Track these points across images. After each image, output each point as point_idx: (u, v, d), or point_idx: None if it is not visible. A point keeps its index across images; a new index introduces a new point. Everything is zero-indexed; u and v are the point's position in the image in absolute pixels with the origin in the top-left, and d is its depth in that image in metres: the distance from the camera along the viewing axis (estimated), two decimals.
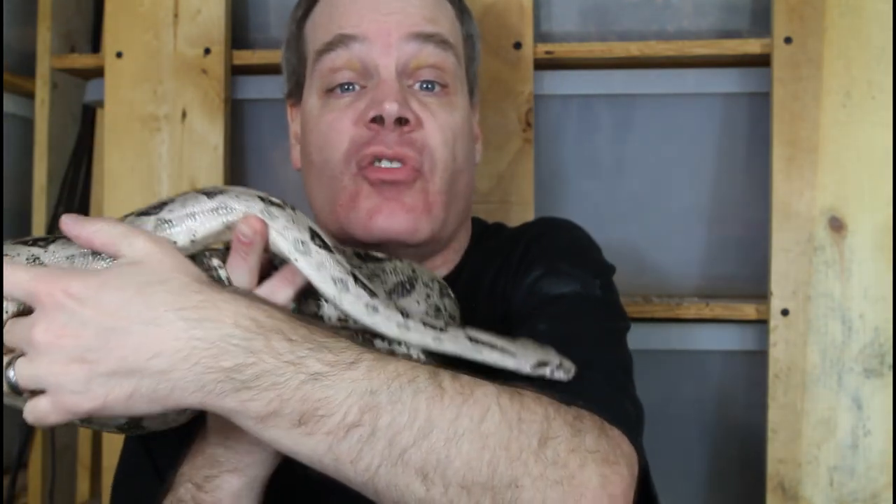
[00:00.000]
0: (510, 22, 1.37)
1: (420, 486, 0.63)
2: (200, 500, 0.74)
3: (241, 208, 0.68)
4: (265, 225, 0.69)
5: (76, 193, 1.61)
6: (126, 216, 0.68)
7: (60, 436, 1.58)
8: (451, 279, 0.96)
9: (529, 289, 0.89)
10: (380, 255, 0.78)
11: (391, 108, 0.87)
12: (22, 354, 0.62)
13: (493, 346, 0.71)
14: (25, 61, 1.60)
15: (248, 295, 0.67)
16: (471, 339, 0.71)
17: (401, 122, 0.88)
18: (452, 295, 0.77)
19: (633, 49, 1.35)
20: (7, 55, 1.57)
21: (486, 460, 0.64)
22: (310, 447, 0.63)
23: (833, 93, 1.28)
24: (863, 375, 1.26)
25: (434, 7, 0.95)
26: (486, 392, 0.66)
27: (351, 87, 0.92)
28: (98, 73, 1.49)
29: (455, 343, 0.70)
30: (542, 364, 0.71)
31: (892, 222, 1.26)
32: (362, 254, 0.77)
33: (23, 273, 0.63)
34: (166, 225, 0.68)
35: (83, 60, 1.55)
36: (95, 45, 1.65)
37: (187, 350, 0.61)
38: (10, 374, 0.61)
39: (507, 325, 0.85)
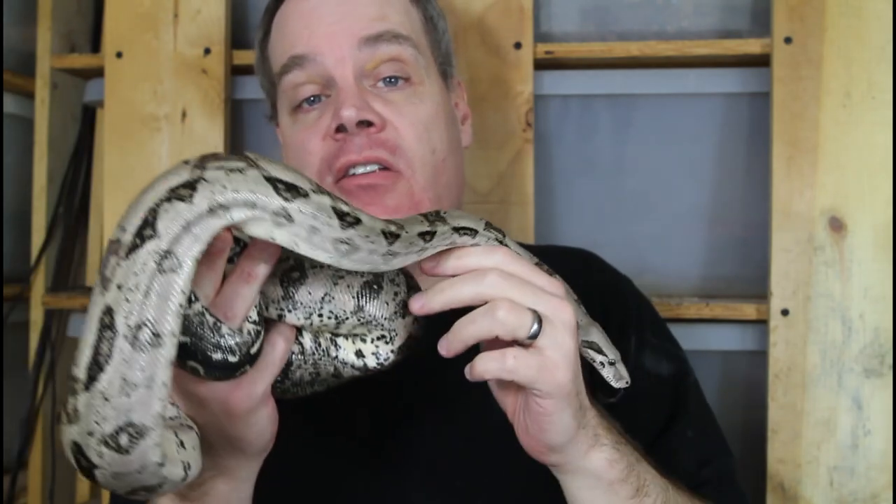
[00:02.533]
0: (510, 22, 1.37)
1: None
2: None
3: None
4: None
5: (76, 193, 1.61)
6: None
7: (60, 436, 1.58)
8: None
9: (634, 361, 0.94)
10: None
11: (349, 114, 0.86)
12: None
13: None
14: (25, 61, 1.60)
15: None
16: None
17: (365, 124, 0.87)
18: (416, 286, 0.73)
19: (633, 49, 1.35)
20: (7, 55, 1.57)
21: None
22: None
23: (833, 93, 1.28)
24: (863, 375, 1.26)
25: (382, 3, 0.93)
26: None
27: (316, 99, 0.92)
28: (98, 73, 1.49)
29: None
30: (596, 350, 0.75)
31: (892, 222, 1.26)
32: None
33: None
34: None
35: (83, 60, 1.55)
36: (95, 45, 1.65)
37: (588, 406, 0.70)
38: (537, 326, 0.64)
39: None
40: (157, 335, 0.52)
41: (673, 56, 1.35)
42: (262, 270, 0.63)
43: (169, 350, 0.52)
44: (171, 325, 0.52)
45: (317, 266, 0.68)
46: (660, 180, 1.42)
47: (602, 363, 0.73)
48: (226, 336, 0.61)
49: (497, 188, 1.37)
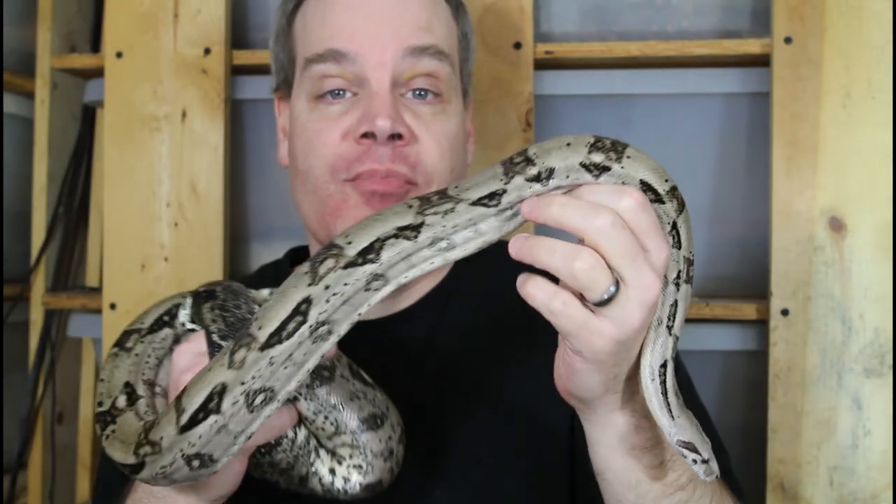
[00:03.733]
0: (510, 22, 1.37)
1: None
2: None
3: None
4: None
5: (76, 193, 1.62)
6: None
7: (60, 436, 1.58)
8: (447, 285, 0.97)
9: None
10: (369, 379, 0.77)
11: (384, 126, 0.84)
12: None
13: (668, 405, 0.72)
14: (25, 61, 1.60)
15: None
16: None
17: (393, 137, 0.86)
18: (405, 443, 0.78)
19: (633, 49, 1.35)
20: (7, 55, 1.57)
21: None
22: (647, 488, 0.69)
23: (833, 93, 1.28)
24: (863, 375, 1.26)
25: (430, 11, 0.90)
26: (730, 499, 0.78)
27: (342, 94, 0.89)
28: (98, 73, 1.49)
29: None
30: (691, 449, 0.68)
31: (892, 222, 1.26)
32: (355, 369, 0.76)
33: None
34: None
35: (83, 60, 1.55)
36: (95, 45, 1.65)
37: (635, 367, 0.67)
38: (614, 287, 0.60)
39: (533, 336, 0.89)
40: (330, 332, 0.62)
41: (673, 56, 1.35)
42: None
43: (327, 347, 0.62)
44: (343, 330, 0.62)
45: (345, 377, 0.74)
46: None
47: (695, 461, 0.70)
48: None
49: None
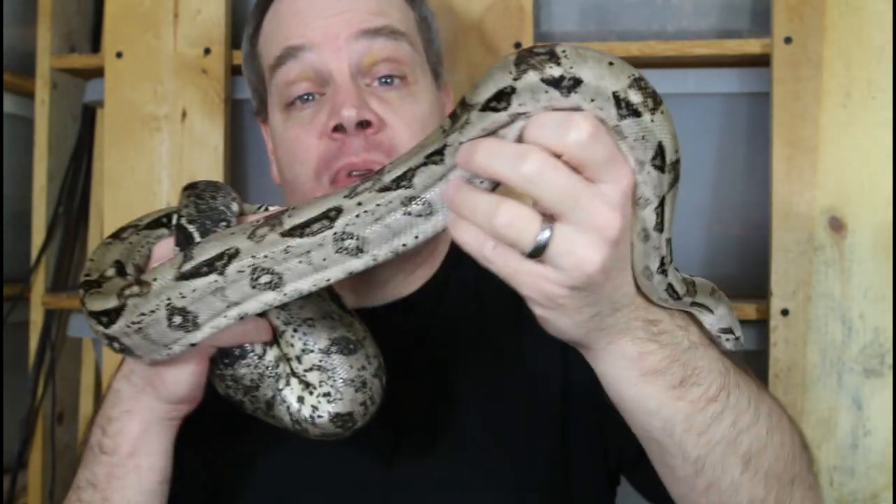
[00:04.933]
0: (510, 22, 1.37)
1: (738, 469, 0.66)
2: (104, 446, 0.74)
3: None
4: None
5: (76, 193, 1.62)
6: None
7: (60, 436, 1.58)
8: (439, 280, 0.98)
9: None
10: (348, 308, 0.76)
11: (349, 114, 0.85)
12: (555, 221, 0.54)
13: (704, 305, 0.71)
14: (25, 61, 1.60)
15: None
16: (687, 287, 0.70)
17: (363, 124, 0.87)
18: (384, 382, 0.76)
19: (633, 49, 1.35)
20: (7, 55, 1.57)
21: (784, 454, 0.69)
22: (672, 410, 0.64)
23: (833, 93, 1.28)
24: (863, 375, 1.26)
25: None
26: (768, 394, 0.72)
27: (310, 98, 0.91)
28: (98, 73, 1.49)
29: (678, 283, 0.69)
30: (728, 332, 0.71)
31: (892, 222, 1.26)
32: (335, 293, 0.75)
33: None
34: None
35: (83, 60, 1.55)
36: (95, 45, 1.65)
37: (634, 295, 0.61)
38: (546, 233, 0.54)
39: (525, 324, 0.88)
40: (360, 250, 0.60)
41: (673, 56, 1.35)
42: None
43: (356, 265, 0.60)
44: (381, 254, 0.60)
45: (322, 297, 0.72)
46: None
47: (728, 339, 0.70)
48: None
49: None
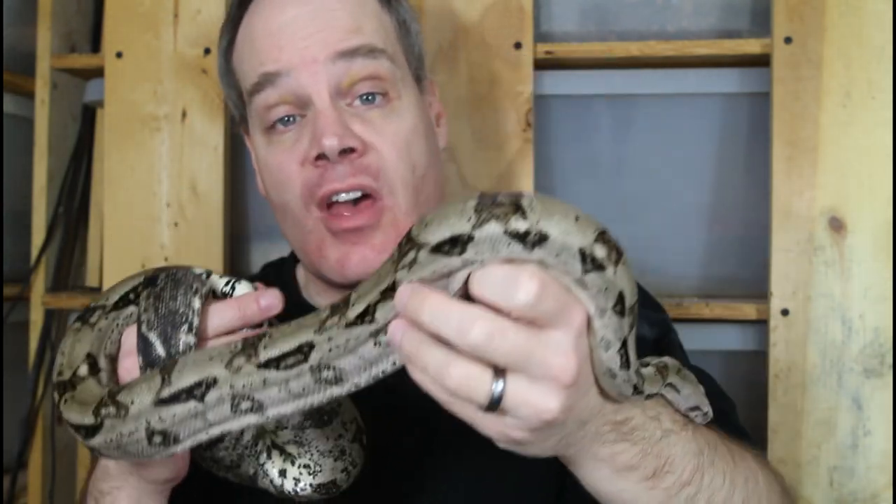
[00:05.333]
0: (510, 22, 1.37)
1: None
2: None
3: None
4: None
5: (76, 193, 1.61)
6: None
7: (60, 436, 1.58)
8: None
9: None
10: None
11: (331, 144, 0.83)
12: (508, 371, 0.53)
13: (672, 385, 0.72)
14: (25, 61, 1.60)
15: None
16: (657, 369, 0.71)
17: (346, 151, 0.85)
18: (364, 442, 0.76)
19: (633, 49, 1.35)
20: (7, 55, 1.57)
21: None
22: (647, 499, 0.65)
23: (833, 93, 1.28)
24: (863, 375, 1.26)
25: (357, 13, 0.89)
26: (749, 455, 0.74)
27: (291, 119, 0.88)
28: (98, 73, 1.50)
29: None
30: (696, 409, 0.72)
31: (892, 222, 1.26)
32: None
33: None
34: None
35: (83, 60, 1.55)
36: (95, 45, 1.65)
37: (600, 404, 0.61)
38: (499, 387, 0.52)
39: None
40: (339, 379, 0.59)
41: (673, 56, 1.35)
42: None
43: (337, 391, 0.60)
44: (360, 381, 0.59)
45: None
46: (660, 180, 1.42)
47: (696, 416, 0.71)
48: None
49: (497, 188, 1.37)
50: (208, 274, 0.71)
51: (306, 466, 0.73)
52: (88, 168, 1.64)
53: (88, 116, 1.63)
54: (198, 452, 0.73)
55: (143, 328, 0.66)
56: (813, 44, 1.29)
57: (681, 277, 1.42)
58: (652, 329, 0.95)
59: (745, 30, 1.40)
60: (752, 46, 1.33)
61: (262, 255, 1.49)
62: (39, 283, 1.55)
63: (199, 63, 1.42)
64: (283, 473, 0.74)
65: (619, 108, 1.42)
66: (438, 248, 0.52)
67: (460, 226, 0.51)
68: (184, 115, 1.43)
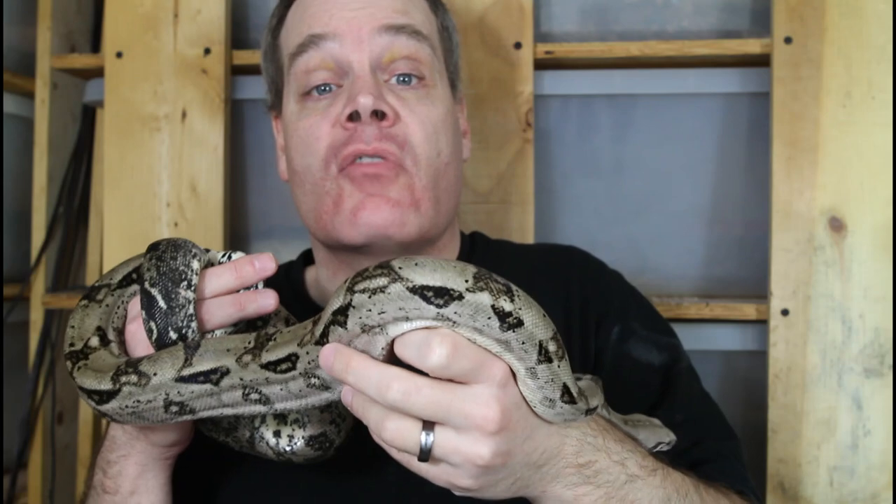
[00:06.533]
0: (510, 22, 1.37)
1: None
2: (106, 487, 0.79)
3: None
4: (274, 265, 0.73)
5: (76, 193, 1.62)
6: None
7: (60, 436, 1.58)
8: None
9: (616, 349, 0.94)
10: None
11: (366, 102, 0.85)
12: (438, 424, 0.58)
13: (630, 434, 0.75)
14: (25, 61, 1.60)
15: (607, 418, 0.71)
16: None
17: (378, 115, 0.87)
18: None
19: (633, 49, 1.35)
20: (7, 55, 1.57)
21: None
22: None
23: (833, 93, 1.28)
24: (863, 375, 1.26)
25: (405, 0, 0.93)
26: (719, 497, 0.75)
27: (327, 88, 0.91)
28: (98, 73, 1.49)
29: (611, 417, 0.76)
30: (660, 444, 0.76)
31: (892, 222, 1.26)
32: (291, 321, 0.78)
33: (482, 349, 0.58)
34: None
35: (83, 60, 1.55)
36: (95, 45, 1.65)
37: (559, 447, 0.64)
38: (429, 439, 0.58)
39: (584, 371, 0.91)
40: (325, 387, 0.64)
41: (673, 56, 1.35)
42: (251, 310, 0.71)
43: (330, 396, 0.64)
44: (341, 388, 0.63)
45: (277, 328, 0.74)
46: (660, 180, 1.42)
47: (662, 449, 0.75)
48: (189, 332, 0.69)
49: (497, 188, 1.37)
50: (207, 250, 0.76)
51: (296, 421, 0.76)
52: (88, 168, 1.64)
53: (88, 116, 1.63)
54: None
55: (147, 285, 0.71)
56: (813, 44, 1.29)
57: (681, 277, 1.42)
58: (661, 354, 0.96)
59: (745, 30, 1.40)
60: (752, 46, 1.33)
61: None
62: (39, 283, 1.55)
63: (199, 63, 1.42)
64: (277, 434, 0.76)
65: (619, 108, 1.42)
66: (420, 291, 0.55)
67: (455, 282, 0.55)
68: (184, 115, 1.43)
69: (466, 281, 0.55)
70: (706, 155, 1.41)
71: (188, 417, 0.68)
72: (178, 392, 0.66)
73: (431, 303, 0.55)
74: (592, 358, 0.94)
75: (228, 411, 0.68)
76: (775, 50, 1.30)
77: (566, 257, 1.03)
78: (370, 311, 0.56)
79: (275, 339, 0.65)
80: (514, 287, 0.56)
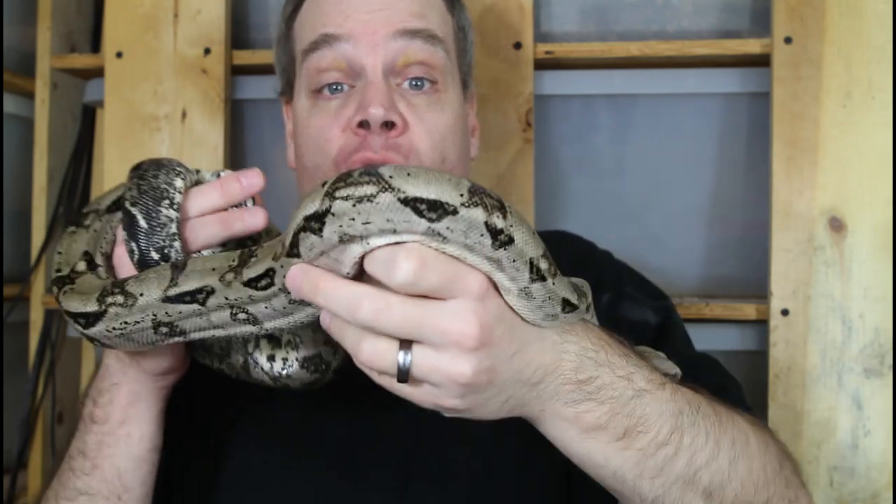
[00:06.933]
0: (510, 22, 1.37)
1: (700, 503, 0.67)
2: (95, 416, 0.77)
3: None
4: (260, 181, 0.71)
5: (76, 193, 1.61)
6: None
7: (60, 436, 1.58)
8: None
9: (609, 313, 0.93)
10: None
11: (377, 113, 0.85)
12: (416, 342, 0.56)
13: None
14: (25, 61, 1.60)
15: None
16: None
17: (387, 125, 0.87)
18: None
19: (633, 49, 1.35)
20: (7, 55, 1.57)
21: (752, 480, 0.69)
22: (620, 460, 0.64)
23: (833, 93, 1.28)
24: (863, 375, 1.26)
25: (422, 1, 0.92)
26: (741, 418, 0.72)
27: (339, 88, 0.91)
28: (98, 73, 1.49)
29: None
30: (665, 377, 0.73)
31: (892, 222, 1.26)
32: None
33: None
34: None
35: (83, 60, 1.55)
36: (95, 45, 1.65)
37: (556, 363, 0.61)
38: (407, 358, 0.55)
39: None
40: (305, 302, 0.60)
41: (673, 56, 1.35)
42: (238, 228, 0.69)
43: (314, 310, 0.62)
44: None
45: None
46: (660, 180, 1.42)
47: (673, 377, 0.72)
48: (172, 253, 0.67)
49: (497, 188, 1.37)
50: (197, 171, 0.74)
51: (289, 343, 0.74)
52: (88, 168, 1.64)
53: (88, 116, 1.63)
54: (190, 343, 0.74)
55: (127, 204, 0.69)
56: (813, 44, 1.29)
57: (681, 277, 1.42)
58: (655, 315, 0.96)
59: (745, 30, 1.40)
60: (752, 46, 1.33)
61: None
62: (39, 283, 1.55)
63: (199, 63, 1.42)
64: (271, 358, 0.75)
65: (619, 108, 1.42)
66: (412, 203, 0.51)
67: (450, 195, 0.52)
68: (184, 115, 1.43)
69: (462, 195, 0.52)
70: (706, 155, 1.41)
71: (179, 339, 0.67)
72: (166, 312, 0.64)
73: (424, 216, 0.52)
74: None
75: (220, 332, 0.66)
76: (775, 50, 1.30)
77: (555, 240, 1.03)
78: (353, 220, 0.52)
79: (256, 256, 0.62)
80: (506, 203, 0.55)
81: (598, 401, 0.62)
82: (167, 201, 0.68)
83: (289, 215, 0.57)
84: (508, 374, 0.58)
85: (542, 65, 1.38)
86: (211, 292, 0.63)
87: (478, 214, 0.53)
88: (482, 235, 0.53)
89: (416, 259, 0.53)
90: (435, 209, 0.52)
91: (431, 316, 0.54)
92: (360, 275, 0.56)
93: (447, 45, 0.94)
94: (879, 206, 1.27)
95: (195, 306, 0.64)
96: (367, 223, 0.52)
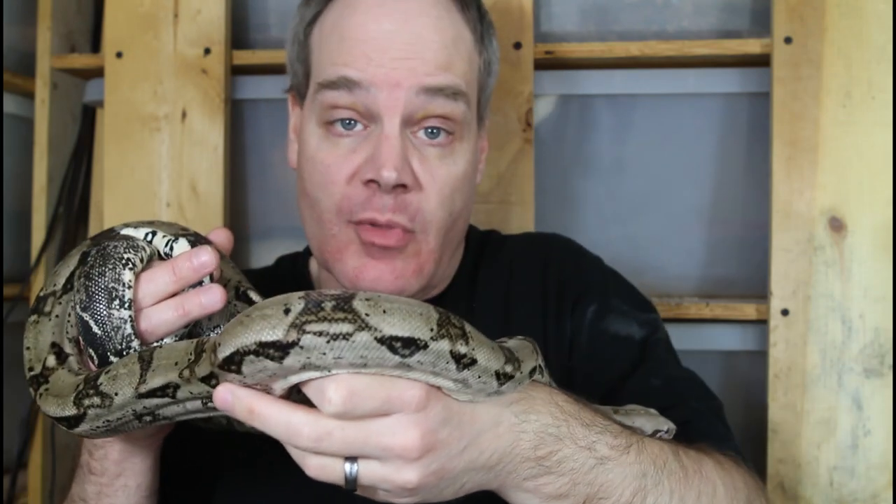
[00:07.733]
0: (510, 22, 1.37)
1: None
2: (92, 468, 0.78)
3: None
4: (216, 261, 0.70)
5: (76, 193, 1.61)
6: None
7: (60, 436, 1.58)
8: (450, 291, 0.98)
9: (593, 327, 0.93)
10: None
11: (389, 177, 0.83)
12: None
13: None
14: (25, 61, 1.60)
15: (546, 382, 0.70)
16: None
17: (398, 186, 0.85)
18: None
19: (633, 49, 1.35)
20: (7, 55, 1.57)
21: None
22: None
23: (833, 93, 1.28)
24: (863, 375, 1.26)
25: (451, 48, 0.88)
26: (709, 465, 0.73)
27: (352, 124, 0.87)
28: (98, 73, 1.49)
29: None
30: (658, 433, 0.76)
31: (892, 222, 1.26)
32: (243, 293, 0.76)
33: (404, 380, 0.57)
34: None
35: (83, 60, 1.55)
36: (95, 45, 1.65)
37: (513, 445, 0.62)
38: (353, 470, 0.57)
39: (559, 355, 0.92)
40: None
41: (673, 56, 1.35)
42: (195, 312, 0.67)
43: None
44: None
45: (232, 303, 0.73)
46: (660, 180, 1.42)
47: (661, 437, 0.74)
48: (132, 351, 0.66)
49: (497, 188, 1.37)
50: (153, 234, 0.72)
51: None
52: (88, 168, 1.64)
53: (88, 116, 1.63)
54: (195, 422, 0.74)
55: (78, 309, 0.68)
56: (813, 44, 1.29)
57: (681, 277, 1.42)
58: (641, 329, 0.96)
59: (745, 30, 1.40)
60: (752, 46, 1.33)
61: (263, 254, 1.50)
62: (39, 283, 1.55)
63: (199, 63, 1.42)
64: None
65: (619, 108, 1.42)
66: (388, 342, 0.53)
67: (422, 332, 0.54)
68: (184, 115, 1.43)
69: (431, 329, 0.54)
70: (706, 155, 1.41)
71: (164, 423, 0.67)
72: (144, 406, 0.64)
73: (397, 353, 0.53)
74: (568, 339, 0.94)
75: (199, 415, 0.66)
76: (775, 50, 1.30)
77: (546, 242, 1.03)
78: (324, 354, 0.52)
79: (205, 351, 0.62)
80: (467, 328, 0.57)
81: (557, 473, 0.64)
82: (117, 301, 0.67)
83: (230, 321, 0.57)
84: (461, 467, 0.60)
85: (542, 65, 1.38)
86: (177, 387, 0.62)
87: (444, 345, 0.55)
88: (448, 363, 0.56)
89: (344, 390, 0.54)
90: (408, 346, 0.54)
91: (372, 435, 0.55)
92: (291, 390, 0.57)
93: (469, 97, 0.90)
94: (879, 206, 1.27)
95: (167, 399, 0.63)
96: (339, 358, 0.53)
